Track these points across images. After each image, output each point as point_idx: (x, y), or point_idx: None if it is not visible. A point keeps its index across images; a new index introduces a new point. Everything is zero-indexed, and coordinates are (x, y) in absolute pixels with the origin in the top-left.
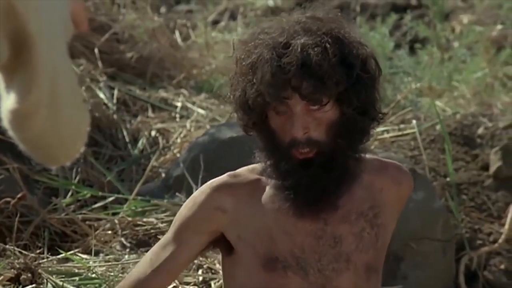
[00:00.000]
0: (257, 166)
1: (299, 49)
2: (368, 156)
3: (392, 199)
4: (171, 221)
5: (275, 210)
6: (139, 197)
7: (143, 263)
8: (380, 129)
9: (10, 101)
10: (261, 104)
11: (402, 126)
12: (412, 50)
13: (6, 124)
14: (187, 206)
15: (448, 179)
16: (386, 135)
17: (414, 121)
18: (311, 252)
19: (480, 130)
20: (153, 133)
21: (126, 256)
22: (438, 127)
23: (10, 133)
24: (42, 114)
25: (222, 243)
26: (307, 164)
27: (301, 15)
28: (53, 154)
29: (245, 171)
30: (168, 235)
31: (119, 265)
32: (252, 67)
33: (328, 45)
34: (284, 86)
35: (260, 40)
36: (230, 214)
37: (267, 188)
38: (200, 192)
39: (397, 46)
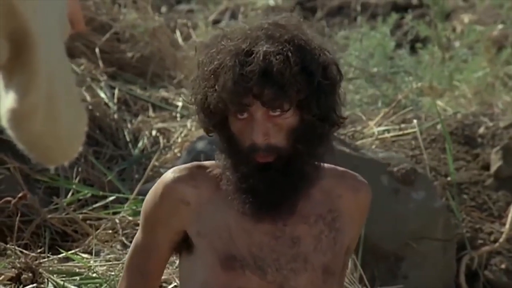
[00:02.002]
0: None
1: (261, 57)
2: (326, 165)
3: (351, 207)
4: None
5: (235, 209)
6: (140, 197)
7: (131, 275)
8: (381, 128)
9: (8, 100)
10: (222, 109)
11: (403, 125)
12: (413, 50)
13: (4, 123)
14: (151, 199)
15: (449, 178)
16: (387, 135)
17: (415, 121)
18: (269, 251)
19: (481, 130)
20: (153, 132)
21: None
22: (439, 126)
23: (9, 132)
24: (40, 115)
25: (182, 242)
26: (266, 168)
27: (264, 21)
28: (51, 154)
29: (211, 165)
30: (142, 236)
31: (120, 265)
32: (214, 73)
33: (290, 54)
34: (245, 94)
35: (222, 46)
36: (193, 207)
37: (228, 187)
38: (162, 185)
39: (398, 45)
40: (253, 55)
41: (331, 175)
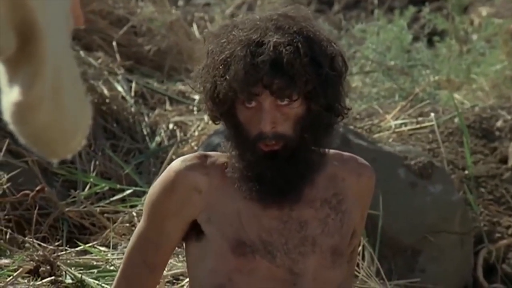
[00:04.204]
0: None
1: (271, 48)
2: (331, 150)
3: (354, 189)
4: None
5: (243, 196)
6: None
7: (135, 269)
8: (398, 122)
9: (13, 93)
10: (230, 98)
11: (420, 119)
12: (430, 43)
13: (8, 117)
14: (161, 189)
15: (466, 172)
16: (404, 128)
17: (432, 114)
18: (278, 236)
19: (499, 123)
20: (170, 126)
21: None
22: (456, 120)
23: (11, 126)
24: (45, 108)
25: (190, 230)
26: (272, 156)
27: (274, 13)
28: (55, 147)
29: (215, 154)
30: (146, 225)
31: None
32: (224, 63)
33: (300, 45)
34: (256, 83)
35: (232, 36)
36: (204, 195)
37: (234, 175)
38: (174, 173)
39: (415, 38)
40: (264, 46)
41: (334, 160)
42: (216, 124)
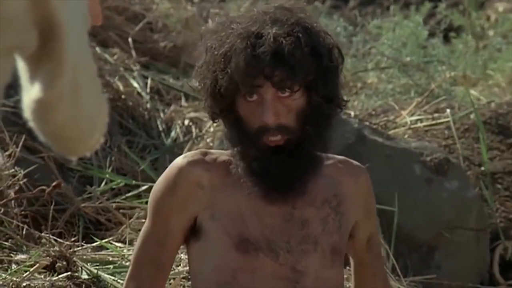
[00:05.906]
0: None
1: (272, 39)
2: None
3: (352, 192)
4: None
5: (245, 193)
6: None
7: (145, 269)
8: (413, 118)
9: (34, 91)
10: (232, 92)
11: (436, 115)
12: (446, 39)
13: (28, 114)
14: (164, 185)
15: (482, 168)
16: (420, 124)
17: (448, 110)
18: (280, 234)
19: None
20: (186, 122)
21: None
22: (472, 116)
23: (31, 124)
24: (65, 105)
25: (191, 229)
26: (277, 151)
27: (269, 6)
28: (73, 145)
29: (217, 152)
30: (152, 223)
31: None
32: (225, 56)
33: (300, 35)
34: (257, 75)
35: (231, 30)
36: (207, 191)
37: (238, 170)
38: (176, 170)
39: (431, 34)
40: (264, 37)
41: (330, 163)
42: (215, 122)
